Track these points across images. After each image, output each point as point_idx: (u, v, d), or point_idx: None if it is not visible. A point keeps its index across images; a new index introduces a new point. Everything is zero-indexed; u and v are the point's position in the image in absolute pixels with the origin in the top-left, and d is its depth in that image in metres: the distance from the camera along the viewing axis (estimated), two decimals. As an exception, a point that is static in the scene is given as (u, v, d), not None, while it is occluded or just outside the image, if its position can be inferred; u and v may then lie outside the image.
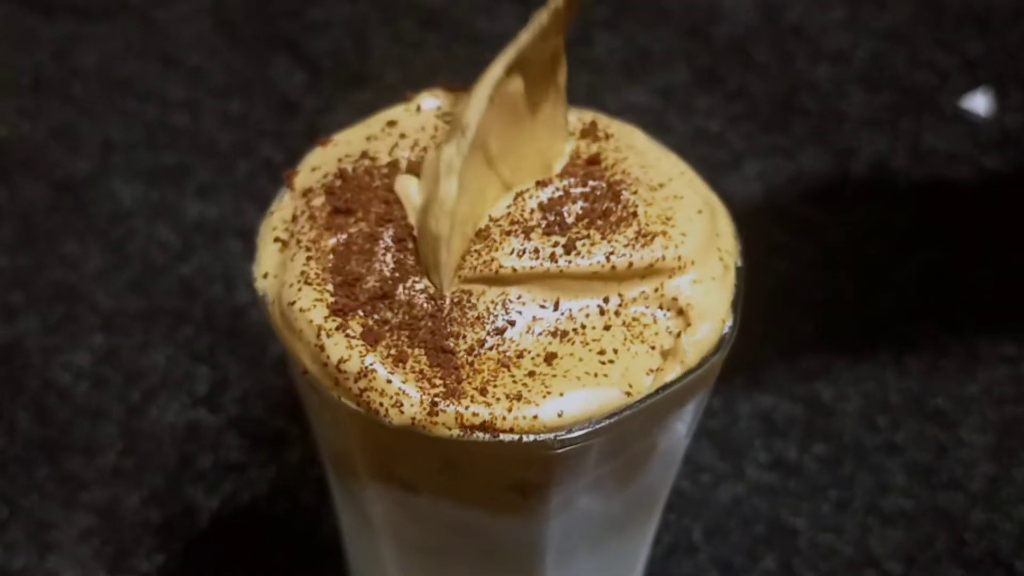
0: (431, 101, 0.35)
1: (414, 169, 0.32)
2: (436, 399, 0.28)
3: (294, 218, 0.32)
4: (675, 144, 0.35)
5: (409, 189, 0.31)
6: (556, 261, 0.30)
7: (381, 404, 0.28)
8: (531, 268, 0.30)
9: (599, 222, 0.31)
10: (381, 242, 0.30)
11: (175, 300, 0.57)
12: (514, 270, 0.30)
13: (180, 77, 0.68)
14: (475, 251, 0.30)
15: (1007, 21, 0.71)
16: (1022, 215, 0.61)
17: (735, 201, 0.59)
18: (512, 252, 0.30)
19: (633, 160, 0.33)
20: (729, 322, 0.31)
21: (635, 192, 0.32)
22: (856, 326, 0.56)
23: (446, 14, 0.72)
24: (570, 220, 0.31)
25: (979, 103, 0.66)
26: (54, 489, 0.50)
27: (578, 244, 0.30)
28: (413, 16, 0.71)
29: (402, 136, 0.34)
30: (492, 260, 0.30)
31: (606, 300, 0.30)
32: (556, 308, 0.30)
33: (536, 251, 0.30)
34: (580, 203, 0.31)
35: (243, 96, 0.67)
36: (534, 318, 0.30)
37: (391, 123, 0.34)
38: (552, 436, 0.28)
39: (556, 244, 0.30)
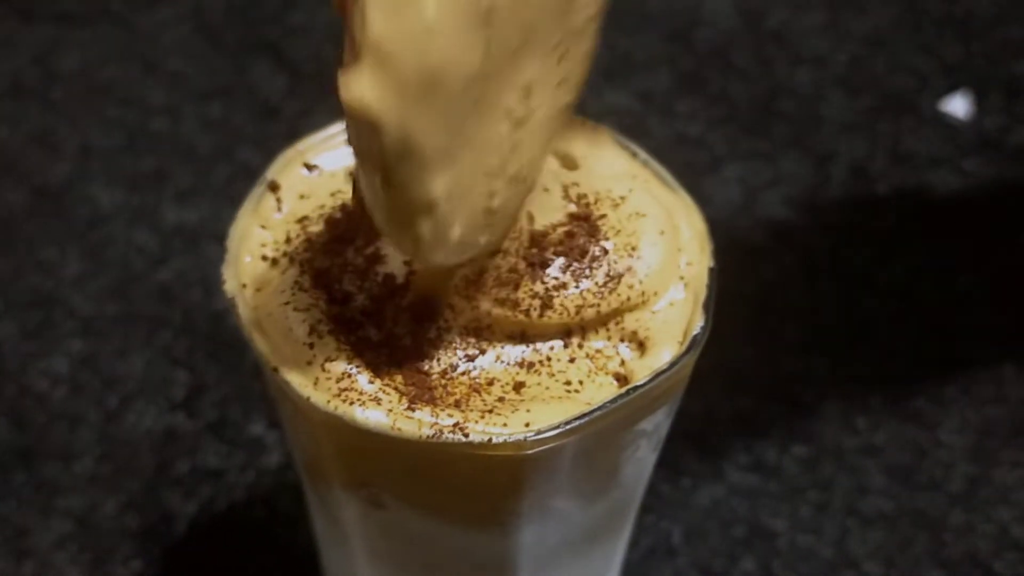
0: None
1: None
2: (412, 402, 0.29)
3: (288, 240, 0.33)
4: (655, 147, 0.35)
5: None
6: (530, 316, 0.30)
7: (355, 405, 0.28)
8: (507, 317, 0.30)
9: (575, 265, 0.31)
10: (377, 265, 0.31)
11: (153, 305, 0.57)
12: (490, 314, 0.30)
13: (160, 82, 0.68)
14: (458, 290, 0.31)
15: (986, 25, 0.71)
16: (1001, 217, 0.61)
17: (715, 204, 0.60)
18: (495, 301, 0.30)
19: (600, 167, 0.33)
20: (700, 323, 0.30)
21: (604, 217, 0.31)
22: (836, 328, 0.56)
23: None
24: (550, 257, 0.31)
25: (958, 106, 0.66)
26: (31, 495, 0.50)
27: (554, 301, 0.30)
28: (394, 21, 0.71)
29: None
30: (477, 306, 0.30)
31: (569, 335, 0.31)
32: (524, 342, 0.31)
33: (515, 304, 0.30)
34: (561, 231, 0.31)
35: (223, 101, 0.67)
36: (504, 348, 0.30)
37: None
38: (522, 437, 0.27)
39: (535, 296, 0.30)
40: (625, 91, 0.68)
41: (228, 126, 0.66)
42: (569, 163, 0.33)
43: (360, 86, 0.23)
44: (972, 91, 0.67)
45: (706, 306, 0.31)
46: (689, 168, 0.35)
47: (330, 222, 0.33)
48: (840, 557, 0.48)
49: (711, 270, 0.31)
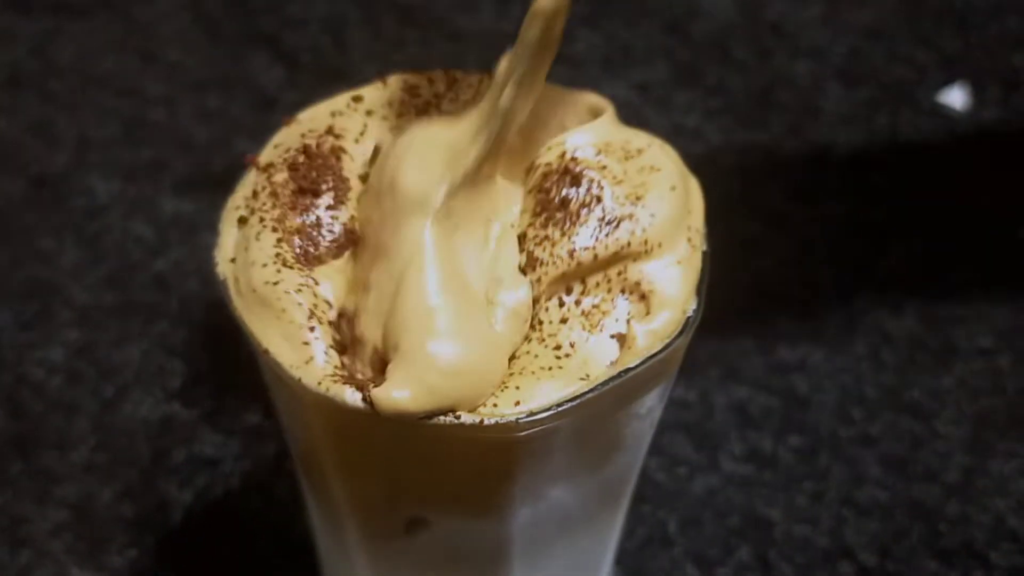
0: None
1: None
2: None
3: (255, 194, 0.32)
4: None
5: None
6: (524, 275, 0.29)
7: (345, 386, 0.28)
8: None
9: (557, 216, 0.29)
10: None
11: (150, 295, 0.57)
12: None
13: (158, 73, 0.68)
14: None
15: (984, 17, 0.71)
16: (998, 209, 0.61)
17: (713, 195, 0.60)
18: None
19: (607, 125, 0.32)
20: (693, 305, 0.30)
21: (603, 168, 0.30)
22: (832, 319, 0.56)
23: (425, 10, 0.72)
24: (526, 226, 0.30)
25: (956, 98, 0.66)
26: (27, 484, 0.50)
27: (543, 255, 0.29)
28: (392, 12, 0.71)
29: (368, 113, 0.33)
30: None
31: (568, 291, 0.29)
32: None
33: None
34: (530, 196, 0.30)
35: (221, 91, 0.67)
36: None
37: (356, 98, 0.34)
38: (514, 419, 0.27)
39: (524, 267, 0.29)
40: (623, 82, 0.68)
41: (226, 117, 0.66)
42: (595, 111, 0.32)
43: (396, 402, 0.27)
44: (970, 83, 0.67)
45: (699, 290, 0.30)
46: (687, 159, 0.34)
47: (293, 168, 0.31)
48: (836, 547, 0.48)
49: (704, 253, 0.31)
